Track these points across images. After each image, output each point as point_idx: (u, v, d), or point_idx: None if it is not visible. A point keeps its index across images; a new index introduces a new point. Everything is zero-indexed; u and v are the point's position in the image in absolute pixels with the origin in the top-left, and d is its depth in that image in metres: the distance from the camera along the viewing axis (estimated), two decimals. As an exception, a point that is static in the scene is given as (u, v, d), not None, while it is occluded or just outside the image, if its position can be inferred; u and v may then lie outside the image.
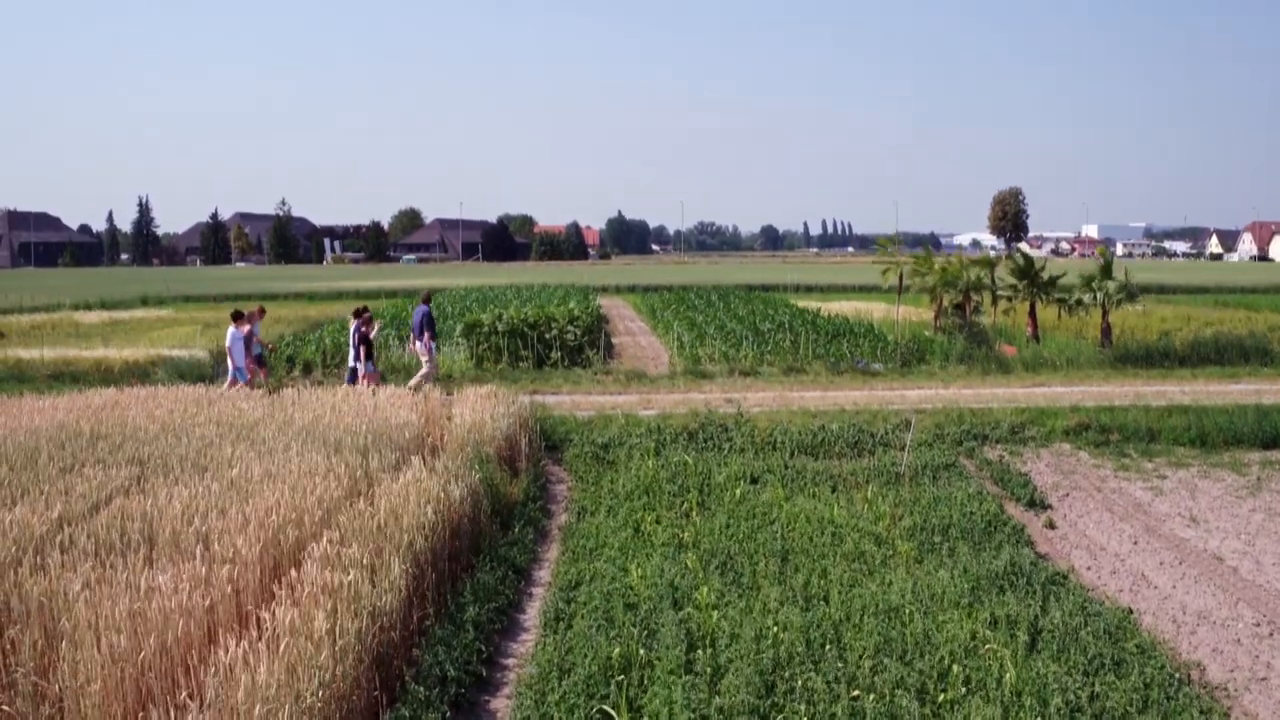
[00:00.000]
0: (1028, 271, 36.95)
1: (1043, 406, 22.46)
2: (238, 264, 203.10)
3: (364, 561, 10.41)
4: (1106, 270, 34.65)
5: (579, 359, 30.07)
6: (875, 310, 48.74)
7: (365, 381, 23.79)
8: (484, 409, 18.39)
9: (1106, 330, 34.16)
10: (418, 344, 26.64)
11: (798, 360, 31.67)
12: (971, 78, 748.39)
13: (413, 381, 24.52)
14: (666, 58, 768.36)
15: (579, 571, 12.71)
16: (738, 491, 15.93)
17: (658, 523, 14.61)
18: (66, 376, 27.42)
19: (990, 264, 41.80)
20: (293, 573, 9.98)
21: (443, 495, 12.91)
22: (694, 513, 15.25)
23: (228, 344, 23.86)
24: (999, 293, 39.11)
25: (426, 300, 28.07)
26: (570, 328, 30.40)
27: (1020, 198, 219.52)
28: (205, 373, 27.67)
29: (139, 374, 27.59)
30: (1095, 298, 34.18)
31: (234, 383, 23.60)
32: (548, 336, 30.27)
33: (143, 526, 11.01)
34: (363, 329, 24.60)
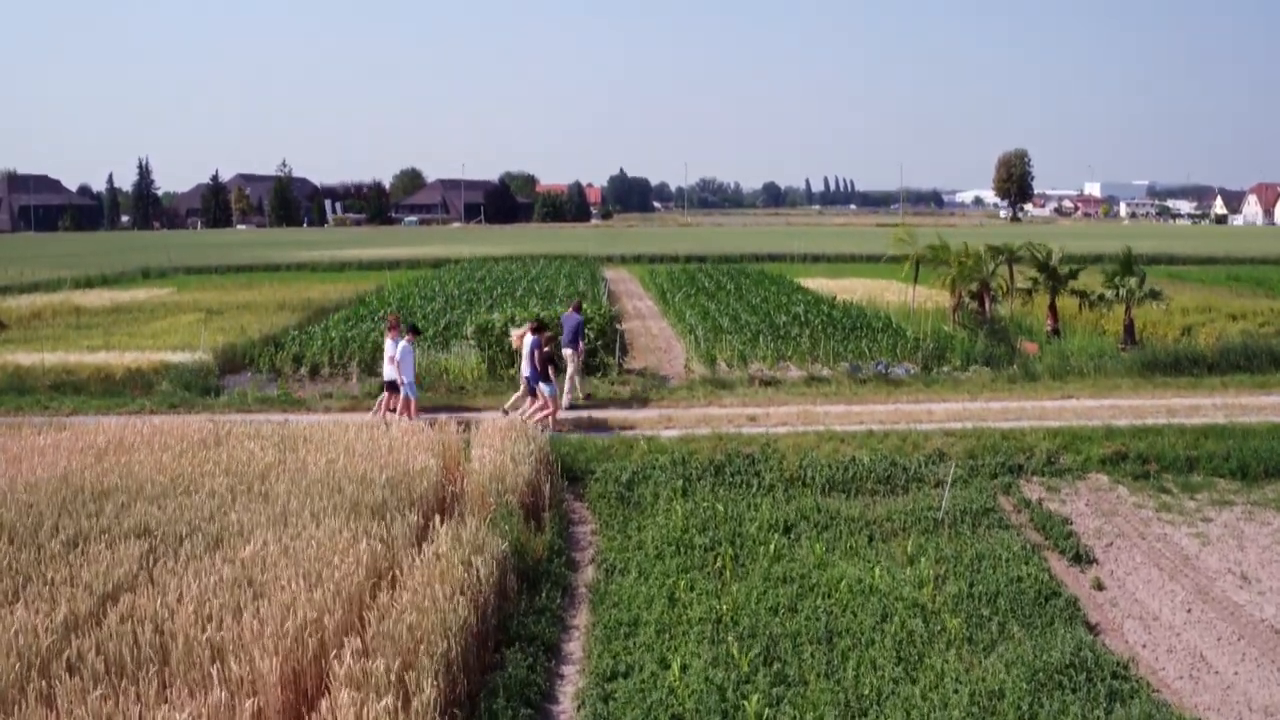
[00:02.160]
0: (1047, 265, 36.23)
1: (1075, 428, 21.79)
2: (239, 226, 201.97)
3: (393, 677, 9.79)
4: (1127, 266, 33.90)
5: (593, 362, 29.36)
6: (888, 292, 47.92)
7: (534, 407, 22.67)
8: (504, 448, 17.72)
9: (1129, 327, 33.45)
10: (567, 350, 25.55)
11: (817, 361, 31.04)
12: (974, 34, 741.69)
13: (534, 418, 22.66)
14: (668, 11, 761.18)
15: (614, 659, 12.09)
16: (772, 546, 15.30)
17: (692, 589, 13.98)
18: (68, 387, 26.74)
19: (1009, 253, 41.09)
20: (322, 705, 9.34)
21: (471, 578, 12.28)
22: (728, 571, 14.64)
23: (397, 357, 22.18)
24: (1018, 285, 38.38)
25: (578, 309, 27.24)
26: (584, 332, 29.63)
27: (1026, 159, 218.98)
28: (210, 382, 26.96)
29: (142, 383, 26.93)
30: (1119, 294, 33.45)
31: (404, 403, 22.49)
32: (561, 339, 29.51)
33: (154, 637, 10.36)
34: (545, 348, 22.85)
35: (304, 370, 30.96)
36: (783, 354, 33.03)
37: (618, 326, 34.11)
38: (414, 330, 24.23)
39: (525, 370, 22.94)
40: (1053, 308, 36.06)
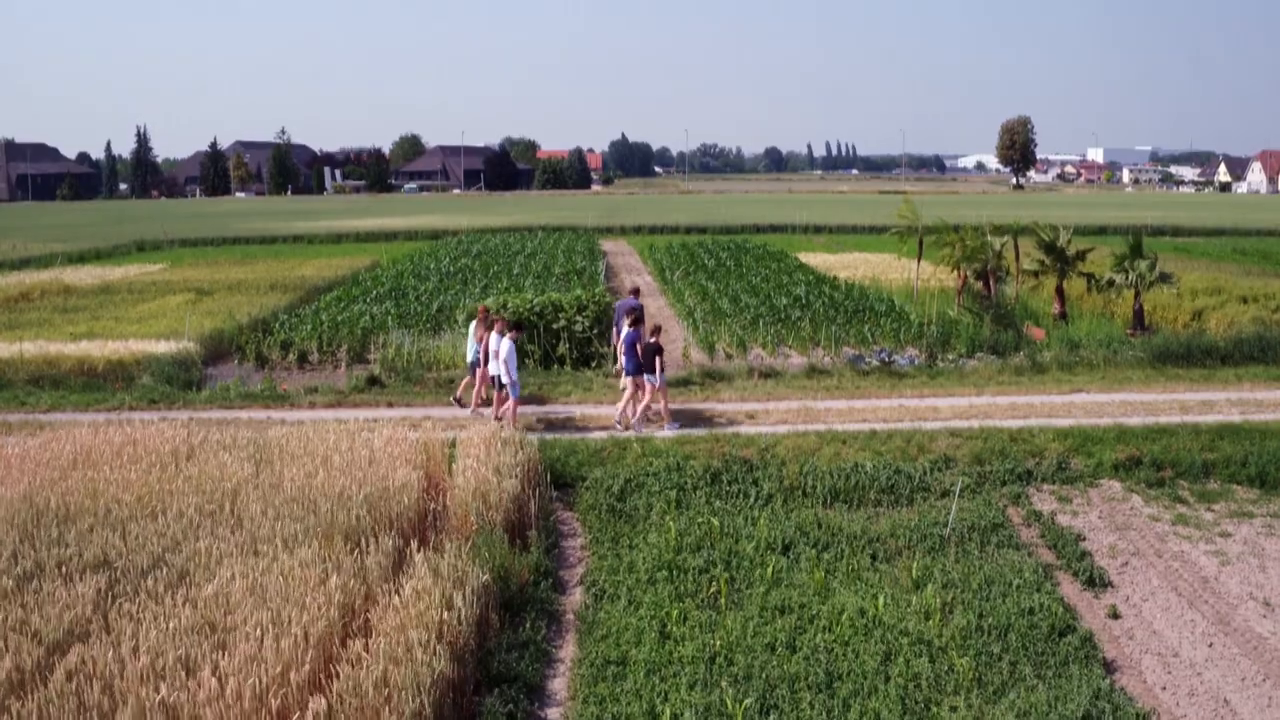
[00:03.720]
0: (1054, 246, 35.34)
1: (1086, 428, 20.99)
2: (237, 194, 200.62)
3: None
4: (1137, 249, 33.02)
5: (588, 352, 28.56)
6: (891, 270, 46.98)
7: (641, 398, 22.06)
8: (490, 458, 16.95)
9: (1139, 312, 32.60)
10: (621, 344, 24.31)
11: (819, 347, 30.26)
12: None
13: (634, 412, 22.14)
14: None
15: (600, 707, 11.34)
16: (769, 569, 14.55)
17: (684, 620, 13.22)
18: (47, 380, 25.96)
19: (1015, 232, 40.17)
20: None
21: (449, 619, 11.53)
22: (723, 596, 13.89)
23: (503, 355, 21.38)
24: (1024, 267, 37.52)
25: (635, 293, 27.12)
26: (579, 318, 28.81)
27: (1029, 126, 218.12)
28: (193, 375, 26.16)
29: (123, 376, 26.15)
30: (1128, 278, 32.58)
31: (502, 401, 22.01)
32: (555, 327, 28.72)
33: (101, 698, 9.61)
34: (653, 338, 22.21)
35: (291, 358, 30.23)
36: (783, 339, 32.30)
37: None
38: (517, 327, 23.59)
39: (498, 370, 21.95)
40: (1060, 290, 35.22)
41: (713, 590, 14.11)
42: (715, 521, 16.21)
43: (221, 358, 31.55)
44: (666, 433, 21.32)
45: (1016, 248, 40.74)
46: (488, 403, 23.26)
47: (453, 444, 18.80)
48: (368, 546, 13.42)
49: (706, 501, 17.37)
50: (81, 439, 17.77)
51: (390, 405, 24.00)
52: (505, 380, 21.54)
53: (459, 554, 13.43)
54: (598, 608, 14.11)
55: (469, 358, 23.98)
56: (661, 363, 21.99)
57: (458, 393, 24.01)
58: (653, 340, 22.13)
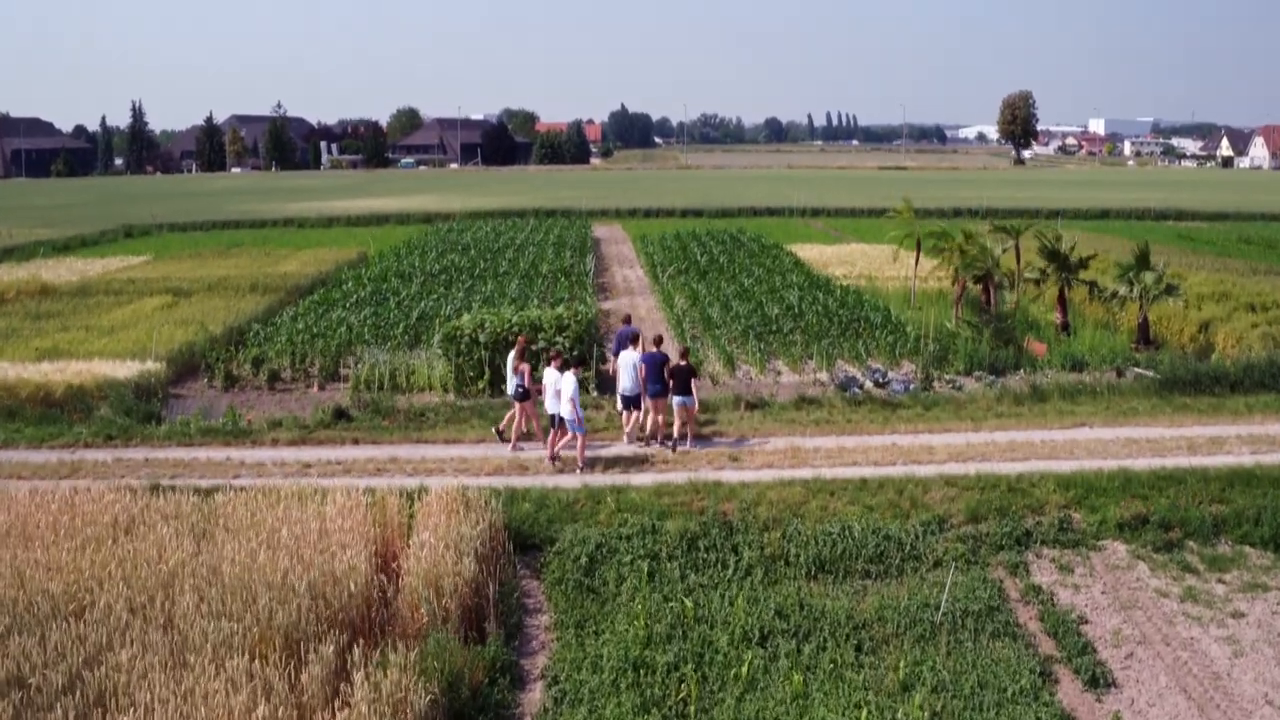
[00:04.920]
0: (1057, 253, 34.13)
1: (1089, 475, 19.78)
2: (234, 170, 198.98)
3: None
4: (1144, 260, 31.80)
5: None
6: (888, 268, 45.56)
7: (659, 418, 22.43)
8: (449, 529, 15.81)
9: (1144, 326, 31.42)
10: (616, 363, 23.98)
11: (811, 360, 29.20)
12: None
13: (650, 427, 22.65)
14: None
15: None
16: (745, 667, 13.44)
17: (650, 736, 12.13)
18: (3, 411, 24.84)
19: (1015, 233, 38.97)
20: None
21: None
22: (692, 703, 12.80)
23: (567, 393, 20.78)
24: (1026, 274, 36.32)
25: (627, 321, 26.74)
26: (559, 339, 27.58)
27: (1030, 101, 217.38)
28: (153, 408, 24.96)
29: (82, 408, 25.00)
30: (1133, 291, 31.38)
31: (564, 437, 21.40)
32: (534, 348, 27.48)
33: None
34: (683, 361, 22.32)
35: (262, 378, 29.10)
36: (774, 353, 31.29)
37: (597, 340, 32.05)
38: (580, 363, 23.83)
39: (558, 408, 21.39)
40: (1062, 299, 34.00)
41: (681, 696, 13.01)
42: (689, 604, 15.08)
43: (190, 374, 30.46)
44: (688, 446, 22.00)
45: (1018, 249, 39.56)
46: (527, 436, 22.62)
47: (413, 503, 17.65)
48: (306, 655, 12.32)
49: (681, 575, 16.23)
50: (18, 508, 16.63)
51: (356, 443, 22.87)
52: (570, 417, 20.91)
53: (406, 664, 12.33)
54: (557, 711, 13.02)
55: (510, 391, 23.04)
56: (697, 384, 22.19)
57: (500, 425, 23.07)
58: (683, 363, 22.20)
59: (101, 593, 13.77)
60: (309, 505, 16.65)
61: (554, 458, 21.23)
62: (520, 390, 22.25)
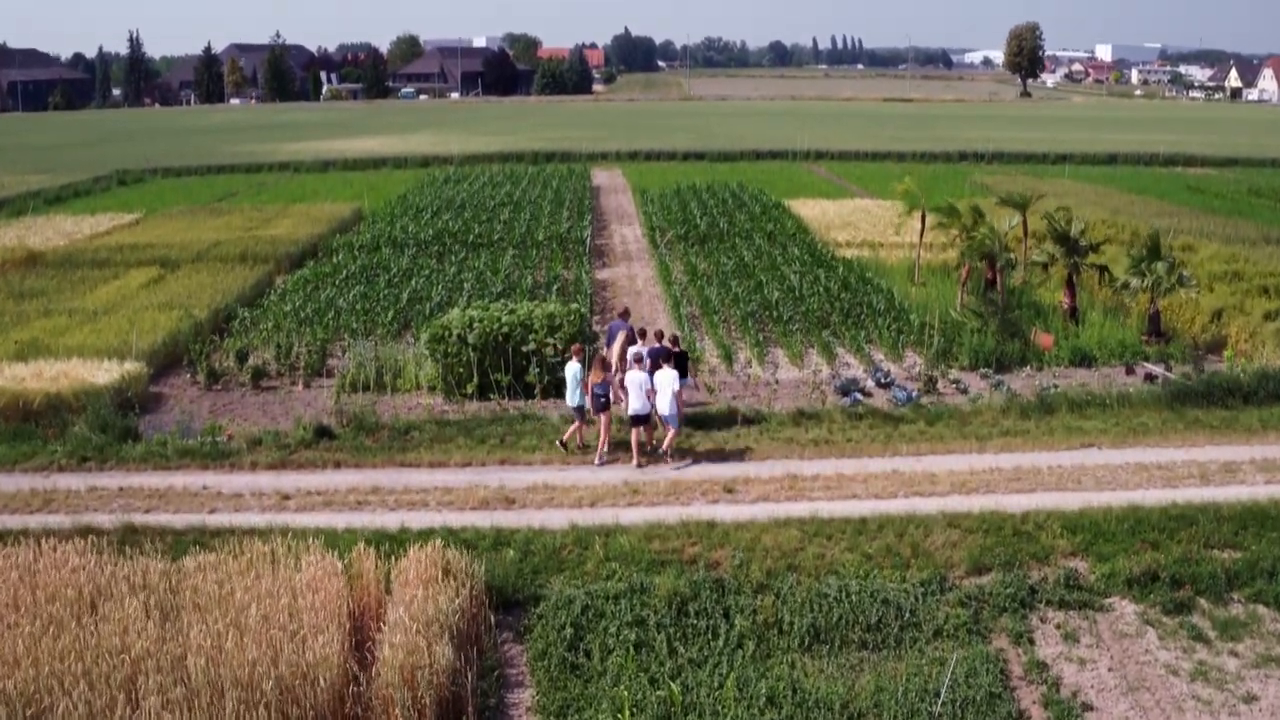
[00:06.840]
0: (1066, 236, 33.14)
1: (1097, 515, 19.03)
2: (233, 101, 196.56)
3: None
4: (1155, 251, 30.80)
5: (560, 377, 26.50)
6: (892, 235, 44.39)
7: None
8: (425, 603, 15.10)
9: (1155, 318, 30.49)
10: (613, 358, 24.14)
11: (811, 349, 28.39)
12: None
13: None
14: None
15: None
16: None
17: None
18: (-19, 424, 24.16)
19: (1023, 206, 38.02)
20: None
21: None
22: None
23: (670, 387, 21.90)
24: (1034, 258, 35.36)
25: (625, 315, 26.69)
26: (550, 339, 26.70)
27: (1037, 33, 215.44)
28: (130, 422, 24.16)
29: (58, 419, 24.24)
30: (1144, 282, 30.42)
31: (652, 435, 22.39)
32: (525, 350, 26.70)
33: None
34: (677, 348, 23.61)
35: (245, 377, 28.32)
36: (774, 341, 30.69)
37: (590, 342, 31.22)
38: (668, 356, 23.17)
39: (663, 406, 22.20)
40: (1070, 284, 33.02)
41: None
42: (676, 690, 14.40)
43: (173, 367, 29.74)
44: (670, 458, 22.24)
45: (1025, 224, 38.61)
46: (586, 447, 22.71)
47: (390, 561, 16.93)
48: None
49: (670, 648, 15.52)
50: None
51: (338, 466, 22.16)
52: (669, 414, 22.02)
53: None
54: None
55: (571, 402, 22.97)
56: (693, 373, 24.08)
57: (564, 437, 22.74)
58: (678, 349, 23.67)
59: (62, 694, 13.08)
60: (280, 572, 15.92)
61: (640, 464, 21.79)
62: (602, 400, 22.05)
